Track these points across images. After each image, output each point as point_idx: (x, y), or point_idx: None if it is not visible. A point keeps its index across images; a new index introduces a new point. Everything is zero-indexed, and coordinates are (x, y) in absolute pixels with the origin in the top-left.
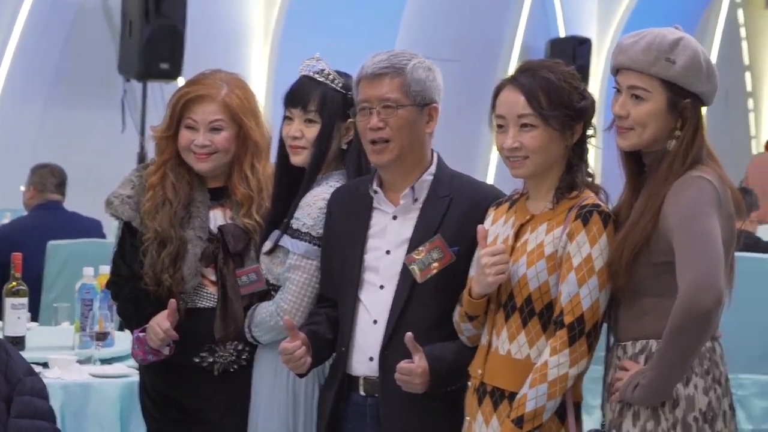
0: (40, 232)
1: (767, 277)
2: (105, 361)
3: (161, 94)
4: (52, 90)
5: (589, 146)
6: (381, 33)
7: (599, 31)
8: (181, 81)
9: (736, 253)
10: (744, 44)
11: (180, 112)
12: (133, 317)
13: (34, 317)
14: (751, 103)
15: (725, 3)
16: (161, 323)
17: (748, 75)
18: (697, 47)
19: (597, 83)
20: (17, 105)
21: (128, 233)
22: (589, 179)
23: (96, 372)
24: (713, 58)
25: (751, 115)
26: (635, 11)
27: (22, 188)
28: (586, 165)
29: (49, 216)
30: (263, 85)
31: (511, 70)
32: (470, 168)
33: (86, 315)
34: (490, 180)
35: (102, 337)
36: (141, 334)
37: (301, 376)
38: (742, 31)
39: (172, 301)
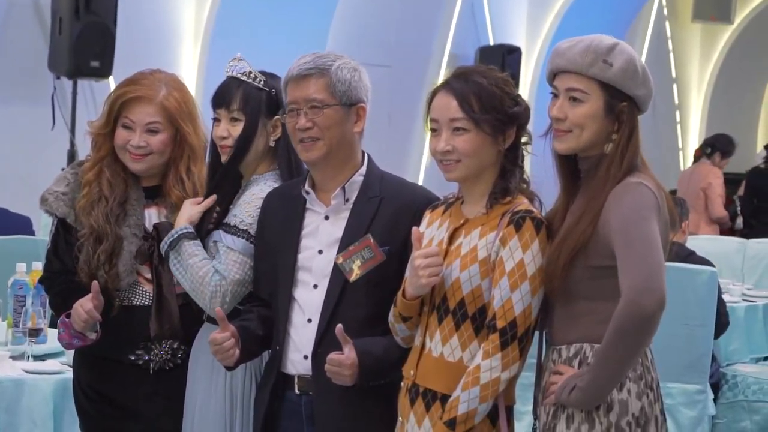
0: None
1: (695, 287)
2: (38, 358)
3: (91, 92)
4: None
5: (524, 153)
6: (311, 35)
7: (528, 39)
8: (111, 79)
9: (671, 264)
10: (671, 56)
11: (118, 110)
12: (62, 306)
13: None
14: (678, 115)
15: (653, 16)
16: (84, 305)
17: (675, 87)
18: (633, 52)
19: (526, 91)
20: None
21: (62, 230)
22: (524, 185)
23: (29, 368)
24: None
25: (678, 128)
26: (563, 21)
27: None
28: (521, 171)
29: None
30: (193, 84)
31: (441, 77)
32: (400, 172)
33: (19, 311)
34: (421, 181)
35: (35, 333)
36: (66, 319)
37: (229, 369)
38: (669, 44)
39: (95, 283)
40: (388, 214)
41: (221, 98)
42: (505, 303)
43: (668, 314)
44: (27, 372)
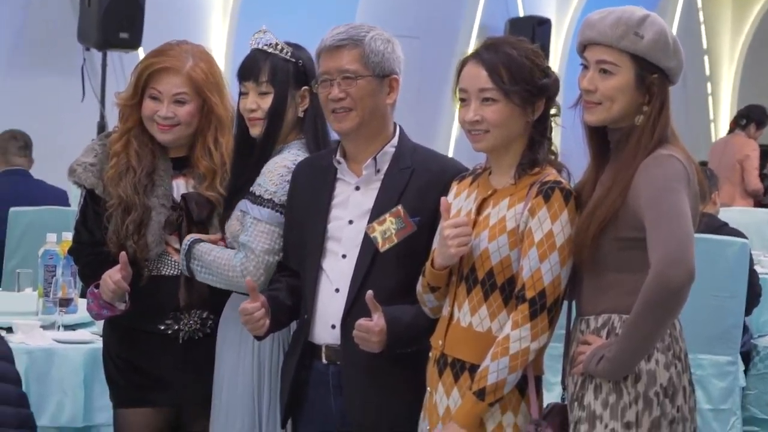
0: (5, 199)
1: (726, 258)
2: (68, 327)
3: (120, 63)
4: (12, 58)
5: (552, 125)
6: (340, 9)
7: (558, 11)
8: (141, 51)
9: (698, 235)
10: (702, 28)
11: (145, 81)
12: (91, 277)
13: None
14: (709, 87)
15: None
16: (113, 275)
17: (706, 59)
18: (664, 24)
19: (557, 63)
20: None
21: (91, 201)
22: (552, 157)
23: (59, 338)
24: None
25: (710, 99)
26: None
27: None
28: (549, 143)
29: (15, 183)
30: (222, 58)
31: (471, 49)
32: (429, 144)
33: (49, 281)
34: (451, 154)
35: (65, 303)
36: (95, 289)
37: (259, 338)
38: (701, 15)
39: (123, 254)
40: (418, 185)
41: (249, 71)
42: (534, 273)
43: (698, 286)
44: (57, 341)
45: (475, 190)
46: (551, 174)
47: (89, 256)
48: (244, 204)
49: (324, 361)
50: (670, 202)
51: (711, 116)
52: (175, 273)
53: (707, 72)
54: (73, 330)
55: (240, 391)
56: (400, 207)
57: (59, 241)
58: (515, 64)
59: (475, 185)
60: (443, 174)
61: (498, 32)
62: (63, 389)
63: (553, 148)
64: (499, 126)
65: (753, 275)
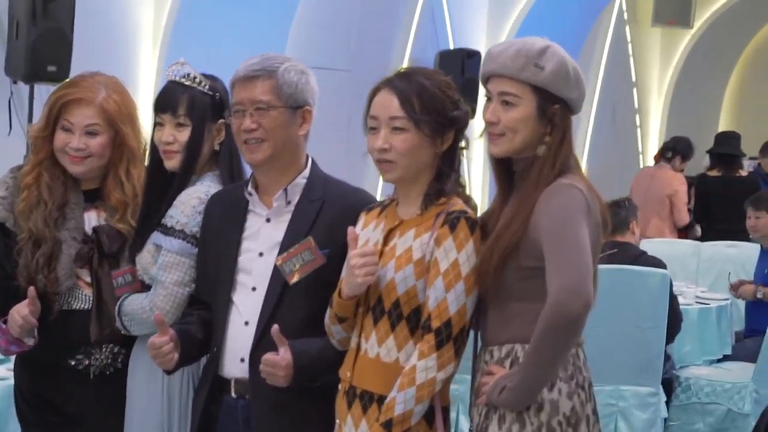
0: None
1: (647, 289)
2: None
3: (47, 95)
4: None
5: (462, 158)
6: (271, 39)
7: (488, 43)
8: None
9: (619, 266)
10: (631, 61)
11: (57, 113)
12: None
13: None
14: (638, 119)
15: (613, 19)
16: (20, 310)
17: (635, 91)
18: (565, 55)
19: (484, 96)
20: None
21: (1, 234)
22: (461, 189)
23: None
24: (600, 75)
25: (638, 131)
26: (524, 25)
27: None
28: (458, 175)
29: None
30: (151, 89)
31: None
32: (361, 174)
33: None
34: (380, 186)
35: None
36: (3, 325)
37: (168, 372)
38: (630, 48)
39: (31, 289)
40: (329, 217)
41: (166, 103)
42: (440, 303)
43: (620, 316)
44: None
45: (383, 220)
46: (457, 204)
47: None
48: (155, 236)
49: (233, 395)
50: (569, 231)
51: (640, 148)
52: (86, 307)
53: (636, 104)
54: None
55: (150, 426)
56: (310, 239)
57: None
58: (427, 95)
59: (383, 216)
60: (354, 206)
61: (428, 64)
62: None
63: (461, 180)
64: (406, 155)
65: (674, 301)
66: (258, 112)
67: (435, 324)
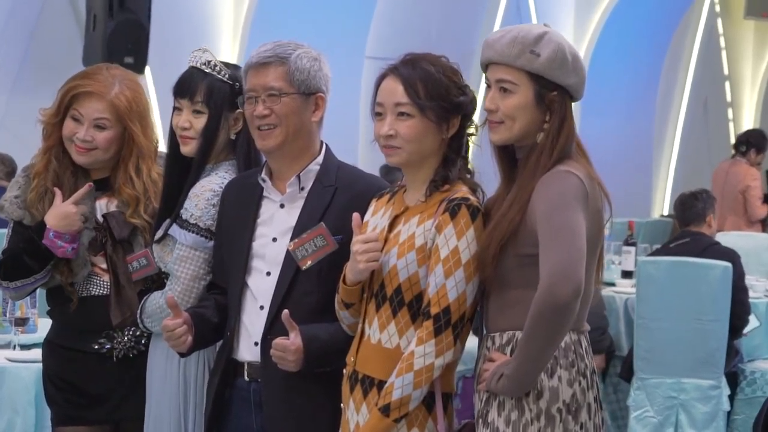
0: None
1: (709, 282)
2: (25, 347)
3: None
4: (18, 79)
5: (470, 143)
6: (352, 29)
7: (576, 38)
8: (146, 74)
9: (680, 258)
10: (723, 54)
11: (68, 102)
12: (17, 258)
13: None
14: (730, 112)
15: (704, 13)
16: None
17: (727, 85)
18: (562, 41)
19: None
20: None
21: (23, 231)
22: (468, 176)
23: (13, 357)
24: (691, 68)
25: (731, 125)
26: (610, 18)
27: None
28: (465, 161)
29: None
30: None
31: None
32: None
33: (8, 301)
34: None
35: (22, 322)
36: (53, 232)
37: (182, 355)
38: (722, 41)
39: (57, 191)
40: (342, 203)
41: (184, 88)
42: (439, 290)
43: (682, 309)
44: (10, 360)
45: (391, 207)
46: (461, 191)
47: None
48: (173, 229)
49: (246, 378)
50: (563, 217)
51: (732, 141)
52: (104, 292)
53: (728, 98)
54: (29, 350)
55: (167, 409)
56: (322, 225)
57: None
58: (432, 80)
59: (391, 203)
60: (366, 193)
61: None
62: (14, 407)
63: (469, 167)
64: (412, 141)
65: (743, 293)
66: (270, 98)
67: (434, 310)
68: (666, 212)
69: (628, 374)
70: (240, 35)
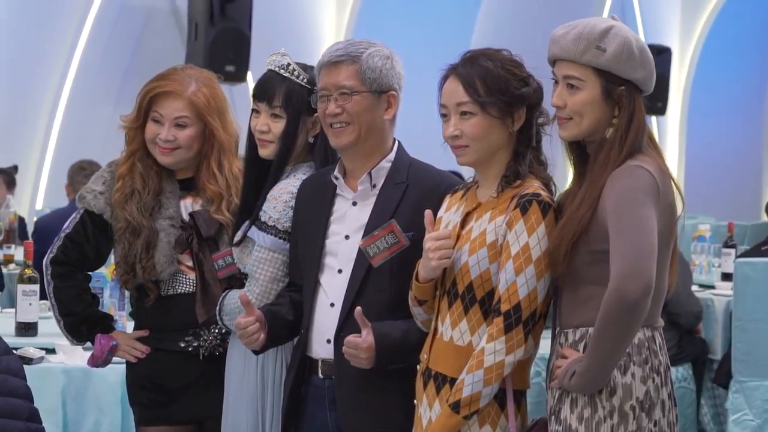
0: None
1: None
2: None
3: (229, 95)
4: (123, 87)
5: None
6: (455, 35)
7: (681, 40)
8: (249, 82)
9: None
10: None
11: (148, 104)
12: (67, 307)
13: None
14: None
15: None
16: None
17: None
18: (629, 34)
19: (679, 93)
20: (87, 104)
21: (91, 223)
22: (541, 167)
23: None
24: None
25: None
26: (717, 20)
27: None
28: (537, 152)
29: None
30: None
31: None
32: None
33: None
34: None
35: None
36: (113, 343)
37: (256, 352)
38: None
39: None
40: (413, 199)
41: (263, 92)
42: (510, 286)
43: None
44: None
45: (463, 203)
46: (532, 186)
47: (73, 288)
48: (252, 231)
49: (320, 375)
50: (633, 213)
51: None
52: (191, 290)
53: None
54: None
55: (244, 404)
56: (393, 222)
57: (107, 264)
58: (491, 76)
59: (463, 199)
60: (437, 189)
61: None
62: (100, 408)
63: (542, 158)
64: (478, 139)
65: None
66: (342, 96)
67: (504, 307)
68: None
69: (723, 380)
70: (342, 39)
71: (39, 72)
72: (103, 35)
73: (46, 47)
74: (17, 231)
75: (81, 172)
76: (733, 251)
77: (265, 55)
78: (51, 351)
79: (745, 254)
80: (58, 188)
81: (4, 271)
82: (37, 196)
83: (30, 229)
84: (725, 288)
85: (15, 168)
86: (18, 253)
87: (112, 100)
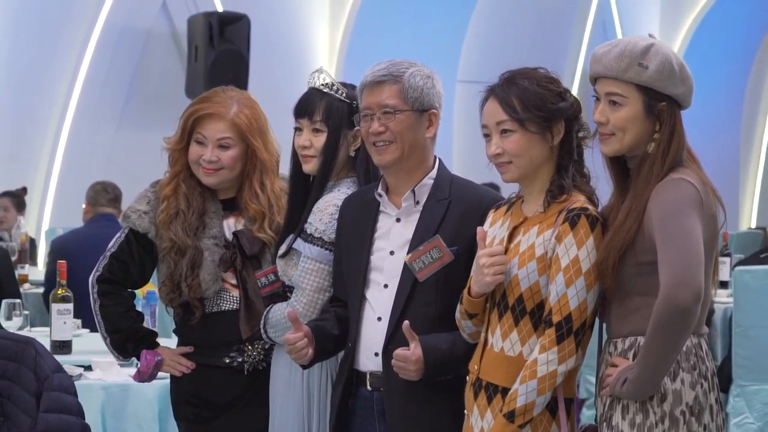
0: (92, 243)
1: None
2: None
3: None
4: (124, 111)
5: (584, 146)
6: (444, 52)
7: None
8: None
9: None
10: None
11: (191, 126)
12: (113, 325)
13: (86, 323)
14: None
15: None
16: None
17: None
18: (669, 52)
19: None
20: (91, 126)
21: (135, 242)
22: (583, 179)
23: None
24: None
25: None
26: (695, 36)
27: (83, 205)
28: (579, 164)
29: (102, 227)
30: None
31: (574, 91)
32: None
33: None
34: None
35: None
36: (158, 358)
37: (304, 367)
38: None
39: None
40: (456, 215)
41: (303, 109)
42: (560, 298)
43: None
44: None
45: (509, 218)
46: (579, 200)
47: (119, 306)
48: (297, 243)
49: (368, 387)
50: (679, 224)
51: None
52: (234, 308)
53: None
54: None
55: (291, 418)
56: (437, 237)
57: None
58: (527, 93)
59: (508, 214)
60: (479, 204)
61: None
62: (138, 423)
63: (585, 170)
64: (519, 155)
65: None
66: (385, 115)
67: (556, 318)
68: (754, 225)
69: (723, 384)
70: (336, 62)
71: (43, 95)
72: (105, 58)
73: (50, 71)
74: (29, 251)
75: (104, 194)
76: (728, 260)
77: (262, 75)
78: (88, 368)
79: (743, 262)
80: (64, 208)
81: (21, 290)
82: (43, 216)
83: (42, 249)
84: (722, 295)
85: (24, 189)
86: (32, 272)
87: (114, 124)
